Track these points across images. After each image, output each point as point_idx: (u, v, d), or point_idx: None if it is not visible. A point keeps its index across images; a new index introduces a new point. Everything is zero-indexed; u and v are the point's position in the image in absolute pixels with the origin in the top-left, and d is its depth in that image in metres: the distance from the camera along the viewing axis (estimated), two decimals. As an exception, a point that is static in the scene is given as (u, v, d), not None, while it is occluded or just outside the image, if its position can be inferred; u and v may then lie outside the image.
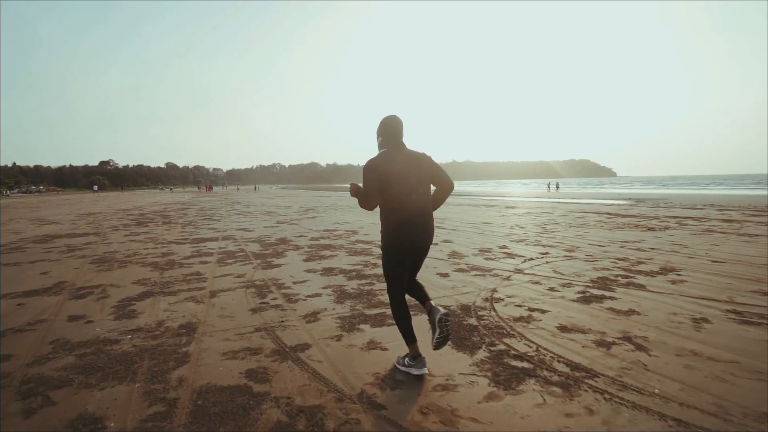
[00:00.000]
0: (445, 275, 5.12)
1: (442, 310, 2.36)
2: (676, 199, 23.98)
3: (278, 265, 5.85)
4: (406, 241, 2.37)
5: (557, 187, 48.93)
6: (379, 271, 5.28)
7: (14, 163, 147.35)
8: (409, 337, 2.45)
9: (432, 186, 2.55)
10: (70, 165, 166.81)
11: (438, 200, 2.58)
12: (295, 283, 4.89)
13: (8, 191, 79.12)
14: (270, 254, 6.73)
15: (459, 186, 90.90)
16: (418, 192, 2.38)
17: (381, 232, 2.46)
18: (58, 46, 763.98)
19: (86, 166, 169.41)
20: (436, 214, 3.01)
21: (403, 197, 2.34)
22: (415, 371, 2.42)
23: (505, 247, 7.10)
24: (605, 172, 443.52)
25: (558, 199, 26.88)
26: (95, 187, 60.85)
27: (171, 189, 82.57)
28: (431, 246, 2.51)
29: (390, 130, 2.46)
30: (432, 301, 2.50)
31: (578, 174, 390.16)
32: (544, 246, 7.11)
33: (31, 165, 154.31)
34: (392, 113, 2.53)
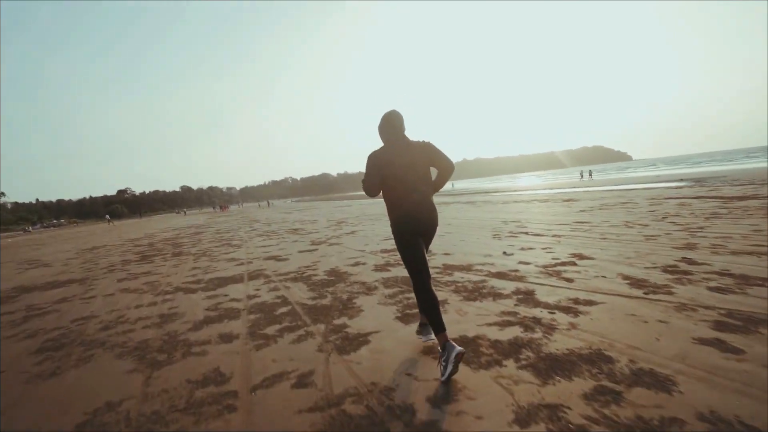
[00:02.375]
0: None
1: (460, 348, 2.28)
2: (736, 175, 20.88)
3: (362, 337, 3.22)
4: (410, 227, 2.54)
5: (590, 175, 45.67)
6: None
7: (37, 200, 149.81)
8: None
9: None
10: (90, 197, 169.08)
11: (439, 182, 2.75)
12: (414, 379, 2.31)
13: (30, 227, 79.11)
14: (332, 306, 4.15)
15: (479, 183, 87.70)
16: (417, 182, 2.55)
17: (390, 224, 2.62)
18: (64, 81, 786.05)
19: (105, 196, 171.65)
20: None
21: (402, 187, 2.53)
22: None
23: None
24: (621, 157, 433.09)
25: (605, 187, 23.97)
26: (107, 217, 59.79)
27: (185, 212, 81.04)
28: None
29: (389, 125, 2.64)
30: (446, 332, 2.41)
31: (593, 161, 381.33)
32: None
33: (54, 200, 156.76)
34: (393, 108, 2.68)
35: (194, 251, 10.52)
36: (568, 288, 4.03)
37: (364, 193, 2.60)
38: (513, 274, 4.81)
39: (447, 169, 2.68)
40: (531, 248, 6.34)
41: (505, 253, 6.19)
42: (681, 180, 23.98)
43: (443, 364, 2.33)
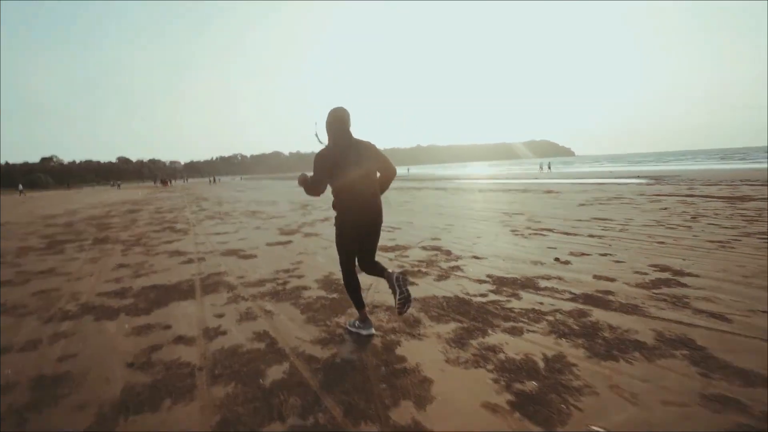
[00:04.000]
0: None
1: (397, 272, 2.61)
2: (691, 175, 21.24)
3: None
4: (355, 222, 2.61)
5: (549, 167, 46.28)
6: None
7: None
8: (359, 303, 2.76)
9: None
10: (6, 162, 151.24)
11: (384, 184, 2.79)
12: None
13: None
14: (364, 365, 2.35)
15: (433, 170, 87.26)
16: (364, 178, 2.59)
17: (335, 217, 2.68)
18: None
19: (26, 164, 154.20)
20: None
21: (350, 184, 2.56)
22: (363, 332, 2.73)
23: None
24: (565, 152, 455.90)
25: (570, 180, 23.67)
26: (20, 187, 51.85)
27: (119, 185, 72.46)
28: None
29: (336, 122, 2.61)
30: (388, 270, 2.68)
31: (540, 154, 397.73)
32: None
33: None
34: (339, 105, 2.65)
35: (125, 237, 8.13)
36: (737, 334, 2.51)
37: (297, 183, 2.72)
38: (612, 299, 3.26)
39: (391, 172, 2.77)
40: (584, 254, 4.87)
41: (557, 260, 4.67)
42: (638, 177, 24.33)
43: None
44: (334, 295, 3.65)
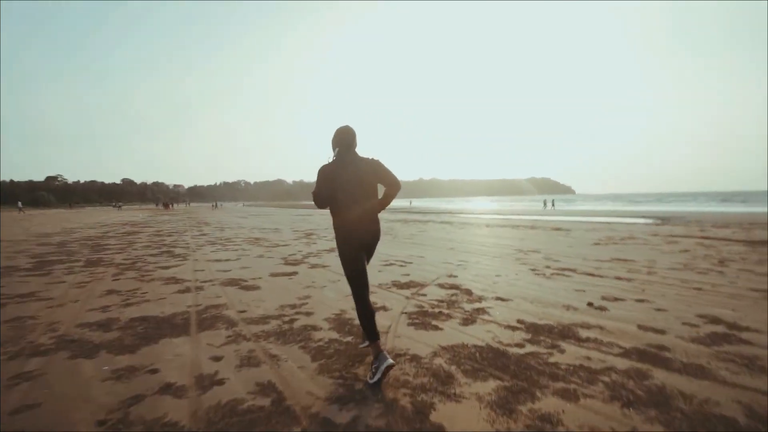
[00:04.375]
0: None
1: (390, 360, 2.38)
2: (697, 217, 21.00)
3: None
4: (354, 241, 2.61)
5: (553, 204, 46.10)
6: None
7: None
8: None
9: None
10: (11, 180, 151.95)
11: (387, 198, 2.74)
12: None
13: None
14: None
15: (436, 204, 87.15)
16: (362, 196, 2.60)
17: (335, 237, 2.66)
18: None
19: (30, 182, 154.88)
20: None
21: (348, 201, 2.58)
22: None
23: None
24: (565, 190, 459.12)
25: (576, 218, 23.39)
26: (19, 204, 51.65)
27: (120, 206, 72.35)
28: None
29: (341, 140, 2.66)
30: (380, 342, 2.50)
31: (540, 192, 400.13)
32: None
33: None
34: (345, 124, 2.71)
35: (119, 260, 7.70)
36: None
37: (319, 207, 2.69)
38: (670, 356, 2.80)
39: (394, 186, 2.74)
40: (617, 299, 4.43)
41: (591, 305, 4.22)
42: (644, 217, 24.15)
43: (373, 370, 2.43)
44: (349, 338, 3.20)
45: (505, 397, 2.27)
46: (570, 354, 2.88)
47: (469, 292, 4.81)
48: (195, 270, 6.43)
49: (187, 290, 4.94)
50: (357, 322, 3.55)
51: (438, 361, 2.76)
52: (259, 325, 3.53)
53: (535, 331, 3.39)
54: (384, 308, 4.10)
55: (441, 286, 5.19)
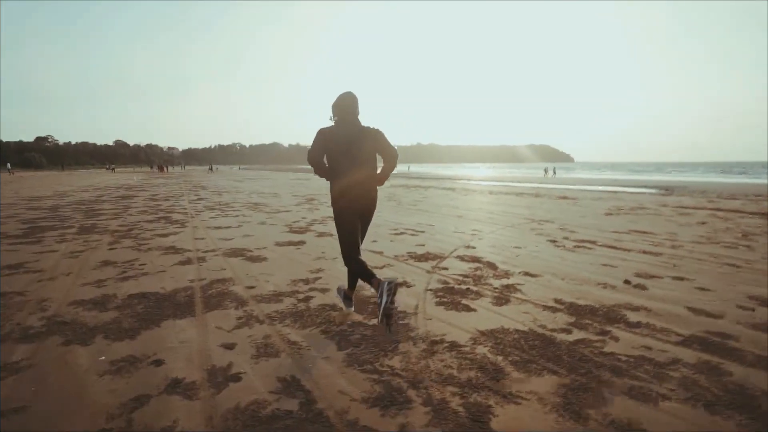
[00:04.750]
0: None
1: (387, 279, 2.33)
2: (701, 187, 20.78)
3: None
4: (348, 204, 2.63)
5: (554, 172, 45.65)
6: None
7: None
8: (352, 285, 2.86)
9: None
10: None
11: (387, 169, 2.74)
12: None
13: None
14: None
15: (434, 169, 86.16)
16: (362, 161, 2.59)
17: (331, 198, 2.70)
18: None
19: (20, 143, 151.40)
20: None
21: (346, 165, 2.56)
22: (345, 308, 2.93)
23: None
24: (564, 158, 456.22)
25: (579, 186, 23.08)
26: (9, 166, 50.50)
27: (113, 168, 71.24)
28: None
29: (341, 106, 2.62)
30: (377, 276, 2.49)
31: (540, 159, 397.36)
32: None
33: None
34: (348, 90, 2.65)
35: (114, 226, 7.30)
36: None
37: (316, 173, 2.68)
38: (738, 346, 2.50)
39: (393, 159, 2.73)
40: (653, 276, 4.12)
41: (628, 282, 3.92)
42: (646, 186, 23.89)
43: (378, 300, 2.33)
44: (374, 321, 2.86)
45: (568, 397, 1.96)
46: (625, 342, 2.57)
47: (492, 266, 4.49)
48: (195, 238, 6.06)
49: (189, 261, 4.58)
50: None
51: (481, 350, 2.44)
52: (271, 304, 3.19)
53: (577, 312, 3.08)
54: (406, 284, 3.77)
55: (461, 258, 4.85)
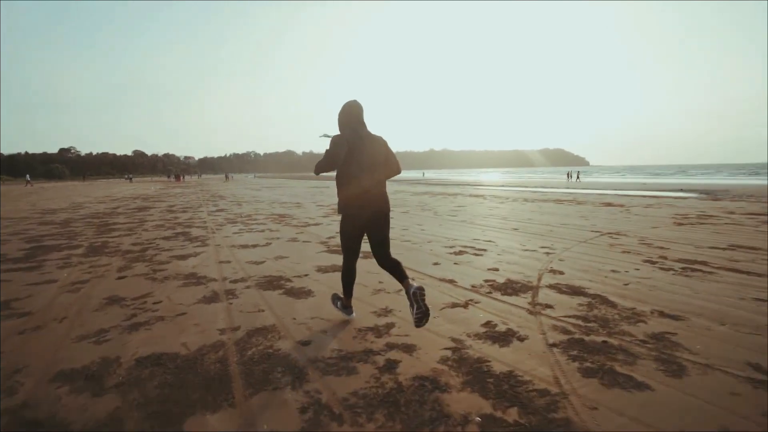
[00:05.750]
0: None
1: (415, 285, 2.49)
2: (745, 191, 19.21)
3: None
4: (357, 210, 2.61)
5: (578, 177, 44.07)
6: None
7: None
8: (348, 293, 2.90)
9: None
10: (26, 152, 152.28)
11: (386, 176, 2.78)
12: None
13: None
14: None
15: (449, 175, 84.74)
16: (372, 168, 2.60)
17: (338, 205, 2.69)
18: (19, 28, 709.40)
19: (44, 154, 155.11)
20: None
21: (357, 171, 2.56)
22: (346, 315, 2.97)
23: None
24: (579, 162, 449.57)
25: (610, 191, 21.80)
26: (27, 177, 51.43)
27: (130, 178, 71.75)
28: None
29: (349, 114, 2.65)
30: (409, 279, 2.60)
31: (554, 163, 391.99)
32: None
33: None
34: (353, 98, 2.71)
35: (127, 245, 6.40)
36: None
37: (317, 172, 2.66)
38: None
39: (395, 171, 2.80)
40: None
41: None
42: (681, 190, 22.47)
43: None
44: (516, 416, 1.81)
45: None
46: None
47: (607, 302, 3.41)
48: (219, 261, 5.11)
49: (215, 297, 3.60)
50: (512, 382, 2.16)
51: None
52: (343, 378, 2.17)
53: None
54: (515, 335, 2.72)
55: (556, 289, 3.79)
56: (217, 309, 3.28)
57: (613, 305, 3.34)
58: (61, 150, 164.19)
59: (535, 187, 29.51)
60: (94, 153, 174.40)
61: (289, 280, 4.14)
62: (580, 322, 2.97)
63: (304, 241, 6.47)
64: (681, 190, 22.71)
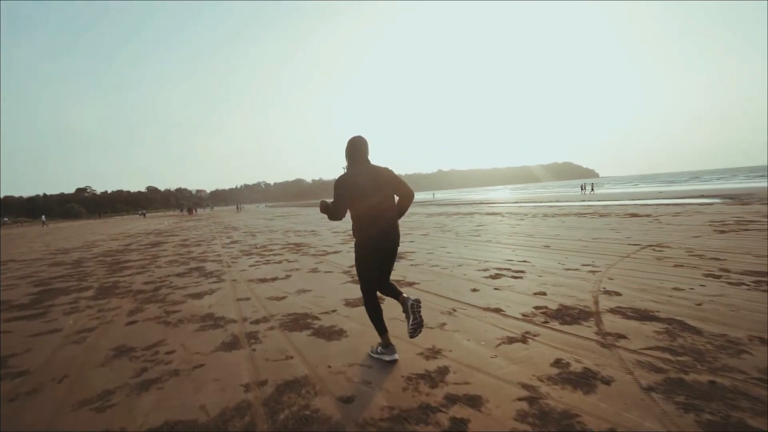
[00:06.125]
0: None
1: (413, 298, 2.54)
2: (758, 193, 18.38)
3: None
4: (375, 247, 2.60)
5: (592, 189, 43.34)
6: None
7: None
8: (381, 328, 2.68)
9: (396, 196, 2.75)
10: (44, 194, 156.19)
11: (402, 208, 2.79)
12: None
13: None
14: None
15: (459, 194, 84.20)
16: (382, 203, 2.60)
17: (355, 243, 2.66)
18: (30, 71, 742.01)
19: (62, 195, 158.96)
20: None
21: (370, 209, 2.57)
22: (387, 358, 2.65)
23: None
24: (589, 174, 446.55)
25: (629, 202, 21.03)
26: (43, 218, 52.36)
27: (144, 214, 72.92)
28: None
29: (355, 150, 2.66)
30: (404, 294, 2.61)
31: (563, 177, 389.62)
32: None
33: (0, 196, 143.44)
34: (358, 134, 2.71)
35: (139, 284, 6.05)
36: None
37: (320, 210, 2.69)
38: None
39: (408, 196, 2.76)
40: None
41: None
42: (702, 196, 21.64)
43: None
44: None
45: None
46: None
47: (685, 326, 2.93)
48: (237, 299, 4.70)
49: (236, 343, 3.18)
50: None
51: None
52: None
53: None
54: (596, 376, 2.24)
55: (621, 313, 3.30)
56: (238, 358, 2.86)
57: (698, 332, 2.85)
58: (78, 190, 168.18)
59: (550, 201, 28.90)
60: (109, 191, 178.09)
61: (316, 317, 3.71)
62: (668, 356, 2.48)
63: (325, 272, 6.06)
64: (702, 196, 21.93)
